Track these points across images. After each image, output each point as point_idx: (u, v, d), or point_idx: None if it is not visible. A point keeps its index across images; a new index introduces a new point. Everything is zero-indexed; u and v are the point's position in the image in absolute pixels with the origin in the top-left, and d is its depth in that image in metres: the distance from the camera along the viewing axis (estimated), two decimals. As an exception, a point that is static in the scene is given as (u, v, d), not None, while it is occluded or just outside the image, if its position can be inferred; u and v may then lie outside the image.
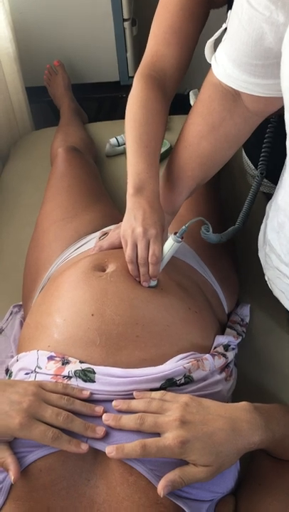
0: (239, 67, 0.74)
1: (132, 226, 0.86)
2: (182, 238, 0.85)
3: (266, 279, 0.94)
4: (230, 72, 0.76)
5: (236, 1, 0.67)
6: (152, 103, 0.95)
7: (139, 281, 0.86)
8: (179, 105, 1.72)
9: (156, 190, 0.89)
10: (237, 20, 0.69)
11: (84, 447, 0.65)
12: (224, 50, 0.76)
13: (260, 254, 0.94)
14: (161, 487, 0.62)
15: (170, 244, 0.86)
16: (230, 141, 0.88)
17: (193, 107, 0.90)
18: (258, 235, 0.95)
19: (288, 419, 0.71)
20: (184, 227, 0.84)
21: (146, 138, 0.91)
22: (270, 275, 0.91)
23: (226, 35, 0.75)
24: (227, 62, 0.76)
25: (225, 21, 1.22)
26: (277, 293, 0.92)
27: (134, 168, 0.89)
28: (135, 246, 0.85)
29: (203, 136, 0.88)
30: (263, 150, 1.04)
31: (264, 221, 0.92)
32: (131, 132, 0.93)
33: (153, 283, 0.86)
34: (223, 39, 0.76)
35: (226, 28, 0.75)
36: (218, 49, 0.78)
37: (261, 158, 1.05)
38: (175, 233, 0.85)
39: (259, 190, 1.08)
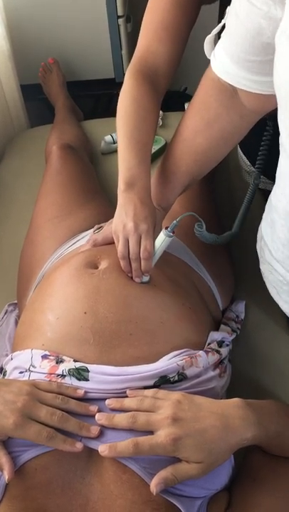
0: (237, 63, 0.74)
1: (123, 222, 0.86)
2: (174, 233, 0.85)
3: (261, 272, 0.94)
4: (228, 68, 0.76)
5: None
6: (144, 99, 0.95)
7: (132, 278, 0.86)
8: (175, 102, 1.72)
9: (148, 186, 0.89)
10: (235, 16, 0.69)
11: (79, 446, 0.66)
12: (222, 46, 0.76)
13: (257, 247, 0.94)
14: (154, 485, 0.62)
15: (162, 239, 0.86)
16: (226, 138, 0.88)
17: (191, 102, 0.90)
18: (253, 231, 0.95)
19: (282, 416, 0.71)
20: (174, 221, 0.84)
21: (138, 133, 0.91)
22: (263, 269, 0.91)
23: (225, 31, 0.75)
24: (225, 58, 0.75)
25: (217, 17, 1.22)
26: (269, 287, 0.92)
27: (125, 163, 0.89)
28: (127, 241, 0.86)
29: (199, 131, 0.88)
30: (258, 158, 1.03)
31: (264, 215, 0.92)
32: (122, 127, 0.93)
33: (145, 279, 0.86)
34: (222, 35, 0.76)
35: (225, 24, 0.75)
36: (217, 45, 0.78)
37: (257, 163, 1.04)
38: (166, 228, 0.85)
39: (255, 193, 1.07)
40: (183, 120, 0.92)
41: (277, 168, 0.78)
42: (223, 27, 0.76)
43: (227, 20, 0.73)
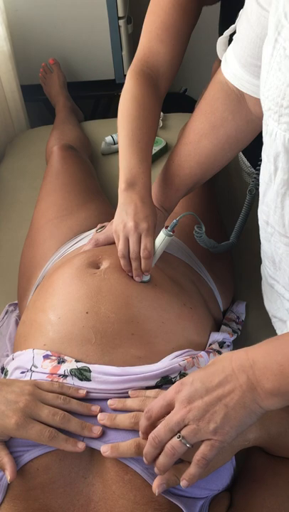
0: (244, 67, 0.75)
1: (123, 221, 0.86)
2: (173, 232, 0.85)
3: None
4: (236, 71, 0.77)
5: (247, 1, 0.68)
6: (145, 99, 0.95)
7: (132, 277, 0.86)
8: (175, 103, 1.73)
9: (148, 185, 0.89)
10: (246, 20, 0.70)
11: (81, 446, 0.66)
12: (232, 49, 0.77)
13: None
14: (155, 485, 0.62)
15: (162, 238, 0.86)
16: (231, 143, 0.88)
17: (198, 105, 0.91)
18: (252, 232, 0.95)
19: (283, 417, 0.71)
20: (174, 220, 0.84)
21: (139, 133, 0.92)
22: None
23: (236, 35, 0.76)
24: (234, 61, 0.76)
25: (218, 19, 1.22)
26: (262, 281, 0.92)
27: (126, 163, 0.90)
28: (127, 240, 0.86)
29: (204, 134, 0.88)
30: (257, 168, 1.03)
31: None
32: (124, 127, 0.93)
33: (146, 278, 0.86)
34: (233, 37, 0.77)
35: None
36: (228, 47, 0.79)
37: (255, 174, 1.04)
38: (166, 227, 0.85)
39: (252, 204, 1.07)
40: (189, 122, 0.92)
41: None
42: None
43: (238, 23, 0.74)
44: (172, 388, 0.62)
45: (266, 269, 0.85)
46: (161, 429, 0.61)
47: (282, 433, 0.70)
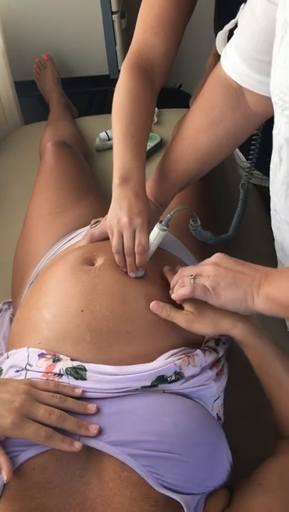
0: (246, 61, 0.75)
1: (117, 216, 0.86)
2: (168, 226, 0.85)
3: None
4: (237, 66, 0.77)
5: None
6: (139, 92, 0.95)
7: (127, 272, 0.86)
8: (170, 99, 1.72)
9: (142, 180, 0.88)
10: (250, 13, 0.70)
11: (77, 445, 0.65)
12: (233, 43, 0.77)
13: None
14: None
15: (156, 233, 0.85)
16: (229, 138, 0.88)
17: (197, 100, 0.90)
18: (251, 229, 0.95)
19: (274, 351, 0.77)
20: (168, 215, 0.83)
21: (133, 127, 0.91)
22: None
23: (237, 29, 0.76)
24: (235, 56, 0.76)
25: (213, 12, 1.21)
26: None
27: (120, 157, 0.89)
28: (121, 236, 0.85)
29: (202, 129, 0.88)
30: (248, 162, 1.03)
31: None
32: (118, 121, 0.92)
33: (140, 273, 0.86)
34: (234, 32, 0.77)
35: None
36: (229, 41, 0.79)
37: (246, 172, 1.04)
38: (160, 221, 0.85)
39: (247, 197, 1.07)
40: (186, 117, 0.92)
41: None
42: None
43: (240, 17, 0.74)
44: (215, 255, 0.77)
45: (278, 256, 0.89)
46: (189, 267, 0.80)
47: (267, 361, 0.77)
